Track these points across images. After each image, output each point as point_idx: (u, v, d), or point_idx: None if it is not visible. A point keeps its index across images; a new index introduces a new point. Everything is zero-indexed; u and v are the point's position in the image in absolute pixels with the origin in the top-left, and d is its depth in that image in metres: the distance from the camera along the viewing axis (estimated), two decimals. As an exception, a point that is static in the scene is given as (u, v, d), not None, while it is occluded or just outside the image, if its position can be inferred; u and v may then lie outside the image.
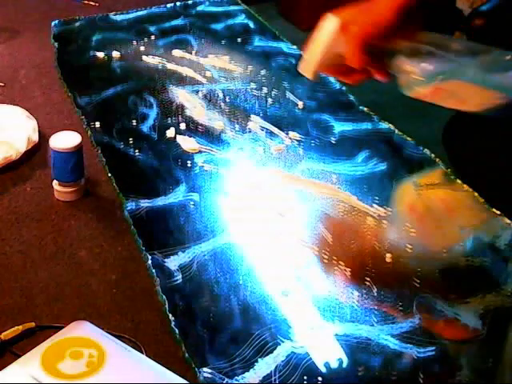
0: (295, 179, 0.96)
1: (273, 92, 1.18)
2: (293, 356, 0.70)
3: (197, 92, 1.17)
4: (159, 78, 1.21)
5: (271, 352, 0.70)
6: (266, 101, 1.15)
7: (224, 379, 0.67)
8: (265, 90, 1.18)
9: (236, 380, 0.67)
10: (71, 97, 1.15)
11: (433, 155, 0.99)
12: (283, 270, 0.81)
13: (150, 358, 0.67)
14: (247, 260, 0.82)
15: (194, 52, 1.30)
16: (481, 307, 0.76)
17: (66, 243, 0.85)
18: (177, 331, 0.72)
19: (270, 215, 0.89)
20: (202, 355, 0.70)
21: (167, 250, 0.83)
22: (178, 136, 1.05)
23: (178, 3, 1.50)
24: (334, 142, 1.05)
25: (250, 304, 0.76)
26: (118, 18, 1.43)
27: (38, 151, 1.01)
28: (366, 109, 1.14)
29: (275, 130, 1.07)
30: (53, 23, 1.39)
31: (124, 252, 0.84)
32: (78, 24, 1.41)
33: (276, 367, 0.69)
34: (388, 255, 0.82)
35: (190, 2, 1.50)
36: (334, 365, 0.69)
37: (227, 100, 1.15)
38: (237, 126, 1.08)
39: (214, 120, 1.09)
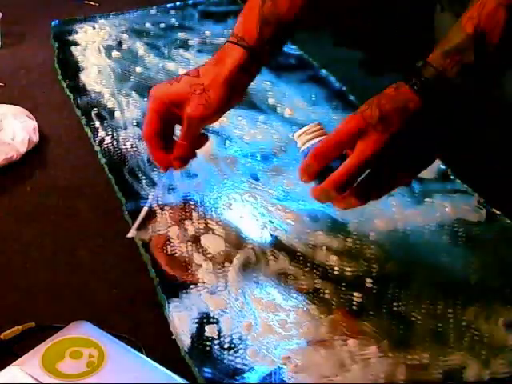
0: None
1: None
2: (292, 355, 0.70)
3: (197, 92, 1.17)
4: (159, 77, 1.21)
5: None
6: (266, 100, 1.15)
7: (224, 379, 0.67)
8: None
9: (236, 380, 0.67)
10: (71, 97, 1.15)
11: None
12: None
13: (149, 358, 0.67)
14: (249, 258, 0.82)
15: (194, 52, 1.30)
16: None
17: (66, 243, 0.85)
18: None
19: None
20: (202, 355, 0.70)
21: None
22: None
23: (177, 3, 1.50)
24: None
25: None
26: (118, 17, 1.43)
27: (38, 151, 1.01)
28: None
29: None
30: (53, 23, 1.39)
31: (124, 252, 0.84)
32: (77, 24, 1.40)
33: (276, 367, 0.69)
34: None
35: (190, 2, 1.50)
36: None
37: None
38: (236, 125, 1.08)
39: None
